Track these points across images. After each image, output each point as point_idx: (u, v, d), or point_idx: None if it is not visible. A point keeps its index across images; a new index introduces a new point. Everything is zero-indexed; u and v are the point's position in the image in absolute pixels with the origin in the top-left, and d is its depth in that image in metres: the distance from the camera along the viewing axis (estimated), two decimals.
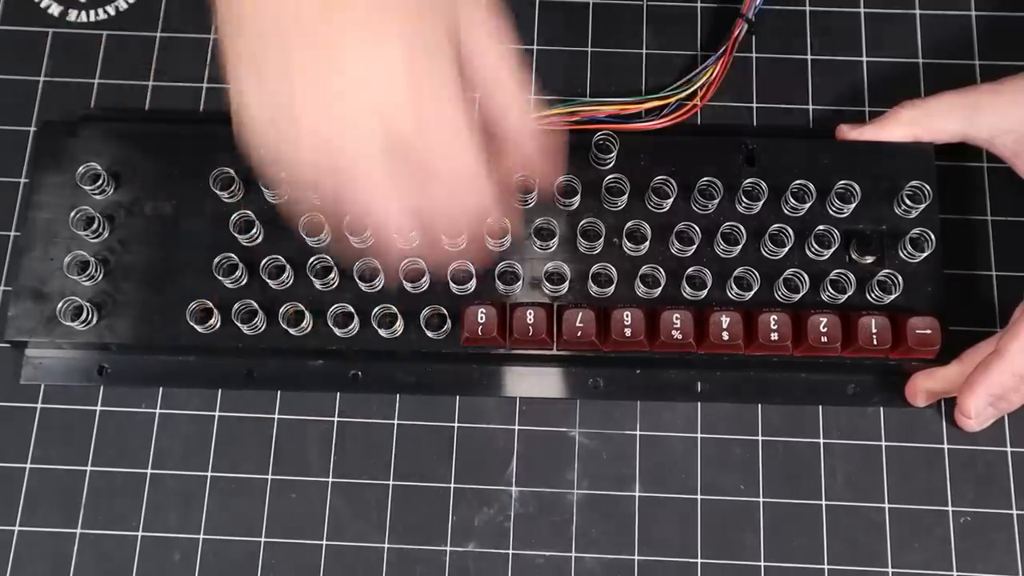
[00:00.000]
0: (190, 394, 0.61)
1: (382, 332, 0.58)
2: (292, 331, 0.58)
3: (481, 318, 0.57)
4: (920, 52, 0.67)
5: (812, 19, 0.68)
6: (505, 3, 0.67)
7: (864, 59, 0.67)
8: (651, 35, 0.68)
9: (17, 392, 0.61)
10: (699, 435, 0.60)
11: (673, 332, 0.57)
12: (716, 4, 0.68)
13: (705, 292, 0.58)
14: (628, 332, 0.57)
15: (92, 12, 0.68)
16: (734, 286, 0.58)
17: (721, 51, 0.65)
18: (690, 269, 0.58)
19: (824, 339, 0.57)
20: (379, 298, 0.58)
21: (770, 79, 0.67)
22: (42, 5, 0.68)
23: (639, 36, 0.68)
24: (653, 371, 0.60)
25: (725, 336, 0.57)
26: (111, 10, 0.68)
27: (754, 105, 0.66)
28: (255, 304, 0.58)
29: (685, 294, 0.58)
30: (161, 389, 0.61)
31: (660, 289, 0.58)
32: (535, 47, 0.67)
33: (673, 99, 0.64)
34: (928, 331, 0.57)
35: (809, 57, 0.67)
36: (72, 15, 0.68)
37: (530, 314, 0.57)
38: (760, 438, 0.60)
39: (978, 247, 0.63)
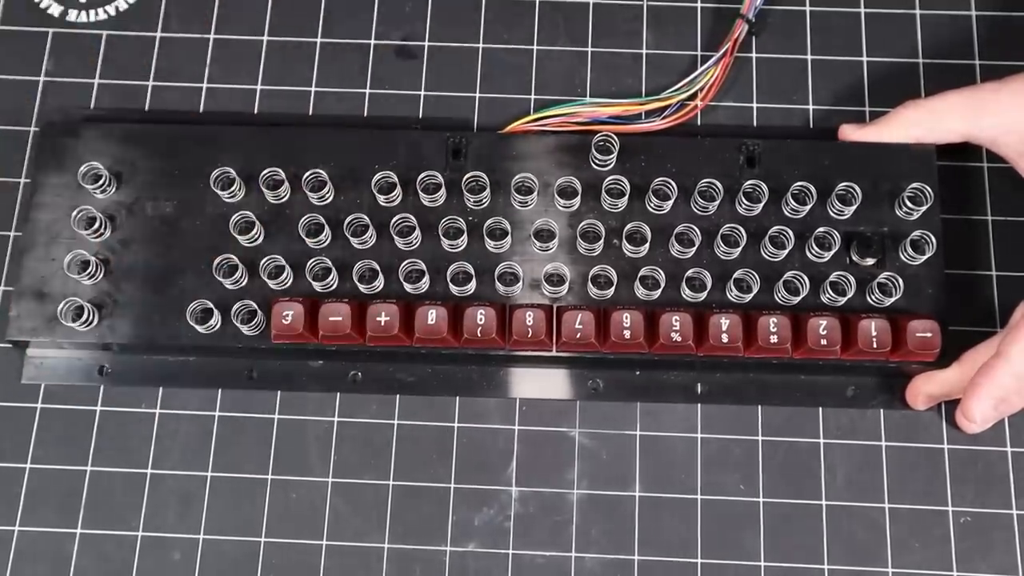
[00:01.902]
0: (190, 394, 0.61)
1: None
2: None
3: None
4: (920, 52, 0.67)
5: (812, 19, 0.68)
6: (506, 3, 0.67)
7: (864, 59, 0.67)
8: (651, 35, 0.68)
9: (17, 392, 0.61)
10: (699, 435, 0.60)
11: (672, 334, 0.57)
12: (716, 4, 0.68)
13: (705, 294, 0.58)
14: (627, 334, 0.57)
15: (92, 12, 0.68)
16: (734, 288, 0.58)
17: (722, 52, 0.65)
18: (690, 271, 0.58)
19: (824, 342, 0.57)
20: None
21: (770, 79, 0.66)
22: (42, 5, 0.68)
23: (639, 36, 0.68)
24: (653, 373, 0.60)
25: (724, 338, 0.57)
26: (111, 10, 0.68)
27: (754, 105, 0.66)
28: (255, 304, 0.58)
29: (685, 296, 0.58)
30: (161, 389, 0.61)
31: (660, 291, 0.58)
32: (535, 47, 0.67)
33: (675, 100, 0.64)
34: (928, 334, 0.57)
35: (809, 57, 0.67)
36: (72, 15, 0.68)
37: (529, 316, 0.57)
38: (760, 438, 0.60)
39: (978, 247, 0.63)
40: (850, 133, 0.62)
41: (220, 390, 0.61)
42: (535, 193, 0.59)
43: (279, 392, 0.61)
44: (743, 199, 0.59)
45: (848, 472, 0.59)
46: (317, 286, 0.58)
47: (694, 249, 0.59)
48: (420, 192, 0.59)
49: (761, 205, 0.59)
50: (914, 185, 0.59)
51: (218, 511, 0.59)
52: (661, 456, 0.60)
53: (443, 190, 0.59)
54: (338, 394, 0.61)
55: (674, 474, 0.60)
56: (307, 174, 0.59)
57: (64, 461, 0.60)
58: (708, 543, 0.59)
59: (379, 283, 0.58)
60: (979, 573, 0.58)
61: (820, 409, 0.60)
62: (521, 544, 0.59)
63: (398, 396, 0.61)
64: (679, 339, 0.57)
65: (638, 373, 0.60)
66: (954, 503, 0.59)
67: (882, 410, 0.60)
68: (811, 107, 0.66)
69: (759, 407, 0.60)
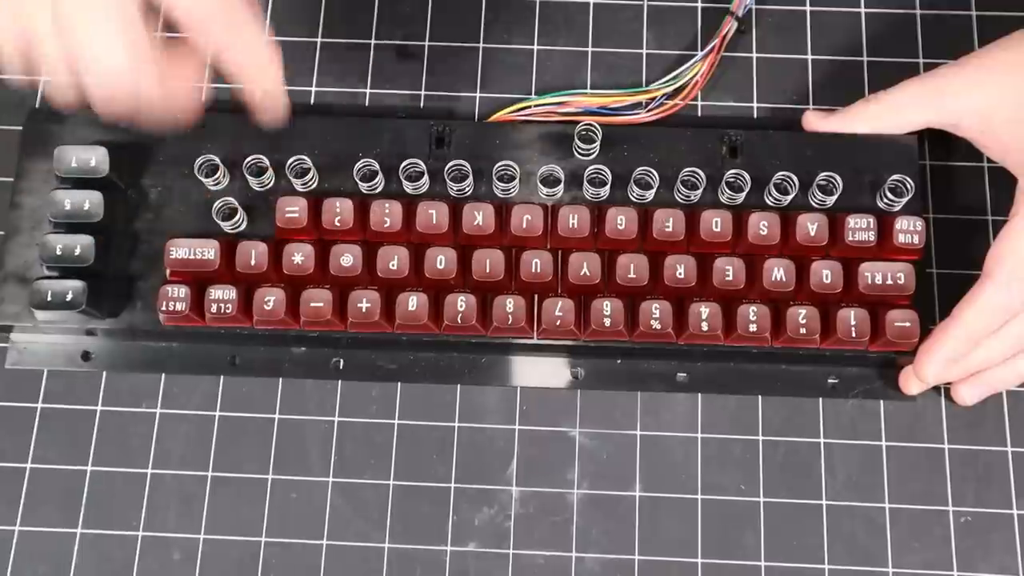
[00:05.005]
0: (191, 394, 0.61)
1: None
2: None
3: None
4: (921, 52, 0.67)
5: (812, 19, 0.68)
6: (506, 3, 0.67)
7: (864, 59, 0.67)
8: (651, 35, 0.68)
9: (17, 391, 0.61)
10: (699, 435, 0.60)
11: (652, 322, 0.57)
12: (716, 3, 0.68)
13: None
14: (607, 322, 0.57)
15: None
16: (726, 189, 0.59)
17: (709, 48, 0.65)
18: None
19: (803, 331, 0.57)
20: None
21: (769, 78, 0.66)
22: None
23: (639, 36, 0.68)
24: (634, 361, 0.61)
25: (704, 327, 0.57)
26: None
27: (754, 105, 0.66)
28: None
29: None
30: (162, 389, 0.61)
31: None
32: (535, 47, 0.67)
33: (659, 93, 0.64)
34: (907, 323, 0.57)
35: (810, 57, 0.67)
36: None
37: (509, 303, 0.57)
38: (760, 438, 0.60)
39: (976, 247, 0.62)
40: (814, 122, 0.62)
41: (220, 388, 0.61)
42: (517, 181, 0.59)
43: (279, 392, 0.61)
44: (725, 188, 0.59)
45: (848, 472, 0.59)
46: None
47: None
48: (403, 180, 0.59)
49: (743, 195, 0.59)
50: (895, 176, 0.59)
51: (218, 511, 0.59)
52: (661, 456, 0.60)
53: (426, 178, 0.59)
54: (338, 394, 0.61)
55: (674, 474, 0.60)
56: (291, 161, 0.59)
57: (64, 461, 0.60)
58: (708, 543, 0.58)
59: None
60: (979, 573, 0.58)
61: (820, 409, 0.60)
62: (521, 544, 0.59)
63: (398, 396, 0.61)
64: (659, 327, 0.57)
65: (619, 362, 0.60)
66: (954, 503, 0.59)
67: (883, 409, 0.60)
68: (811, 107, 0.66)
69: (759, 406, 0.60)
